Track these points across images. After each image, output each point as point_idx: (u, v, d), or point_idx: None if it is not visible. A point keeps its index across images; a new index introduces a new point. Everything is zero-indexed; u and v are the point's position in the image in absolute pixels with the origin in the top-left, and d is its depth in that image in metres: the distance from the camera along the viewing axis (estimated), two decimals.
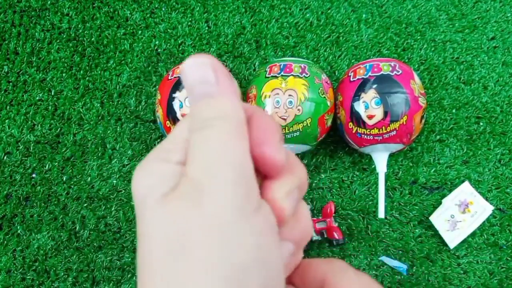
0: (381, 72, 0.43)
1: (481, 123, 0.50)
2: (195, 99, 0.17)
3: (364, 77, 0.43)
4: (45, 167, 0.49)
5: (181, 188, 0.16)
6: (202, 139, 0.16)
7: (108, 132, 0.50)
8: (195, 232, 0.15)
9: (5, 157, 0.50)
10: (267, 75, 0.44)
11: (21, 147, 0.50)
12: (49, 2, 0.56)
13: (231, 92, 0.17)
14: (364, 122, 0.42)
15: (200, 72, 0.17)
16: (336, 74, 0.52)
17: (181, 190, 0.16)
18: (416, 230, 0.47)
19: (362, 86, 0.43)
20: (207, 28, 0.55)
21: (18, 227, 0.47)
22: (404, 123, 0.42)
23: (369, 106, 0.42)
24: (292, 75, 0.43)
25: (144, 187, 0.17)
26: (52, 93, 0.52)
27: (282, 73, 0.43)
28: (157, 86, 0.52)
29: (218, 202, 0.15)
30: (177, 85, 0.44)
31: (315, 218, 0.45)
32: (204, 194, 0.15)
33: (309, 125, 0.43)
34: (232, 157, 0.16)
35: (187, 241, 0.15)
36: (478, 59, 0.52)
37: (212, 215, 0.15)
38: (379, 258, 0.46)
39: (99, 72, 0.53)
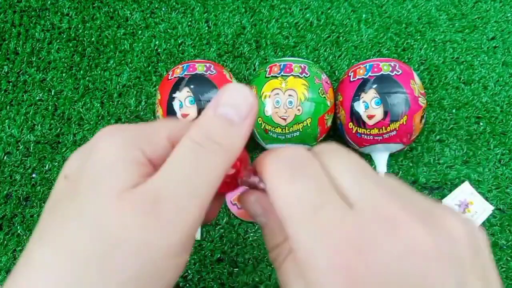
0: (381, 72, 0.43)
1: (481, 123, 0.50)
2: (214, 112, 0.18)
3: (364, 77, 0.43)
4: (45, 167, 0.49)
5: (139, 194, 0.16)
6: (193, 156, 0.17)
7: None
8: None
9: (5, 157, 0.50)
10: (267, 75, 0.44)
11: (21, 147, 0.50)
12: (49, 2, 0.56)
13: (247, 131, 0.18)
14: (364, 122, 0.42)
15: (238, 98, 0.18)
16: (336, 74, 0.52)
17: (138, 197, 0.16)
18: None
19: (362, 86, 0.43)
20: (207, 28, 0.55)
21: (18, 227, 0.47)
22: (404, 123, 0.42)
23: (369, 106, 0.42)
24: (292, 75, 0.43)
25: (109, 165, 0.17)
26: (52, 93, 0.52)
27: (282, 73, 0.43)
28: (157, 86, 0.52)
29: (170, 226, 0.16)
30: (177, 85, 0.44)
31: None
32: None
33: (309, 125, 0.43)
34: (205, 187, 0.17)
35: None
36: (478, 59, 0.52)
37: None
38: None
39: (99, 72, 0.53)
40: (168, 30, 0.55)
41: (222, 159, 0.17)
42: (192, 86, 0.43)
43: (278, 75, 0.43)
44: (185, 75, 0.44)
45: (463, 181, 0.47)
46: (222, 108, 0.18)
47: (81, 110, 0.51)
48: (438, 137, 0.50)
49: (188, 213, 0.16)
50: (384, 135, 0.42)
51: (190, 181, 0.16)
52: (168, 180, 0.16)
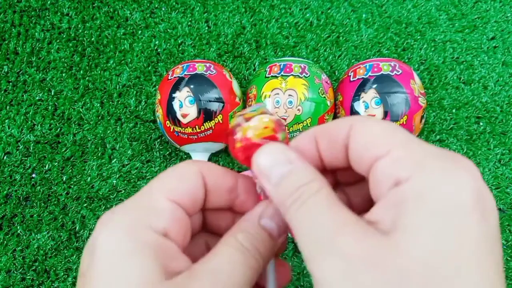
0: (381, 72, 0.43)
1: (481, 123, 0.50)
2: (258, 221, 0.19)
3: (364, 77, 0.43)
4: (45, 167, 0.49)
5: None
6: (237, 257, 0.18)
7: (108, 132, 0.50)
8: None
9: (5, 157, 0.49)
10: (267, 75, 0.44)
11: (21, 147, 0.50)
12: (49, 2, 0.56)
13: (280, 246, 0.19)
14: None
15: (279, 216, 0.19)
16: (336, 74, 0.52)
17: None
18: None
19: (362, 86, 0.43)
20: (207, 28, 0.55)
21: (18, 227, 0.47)
22: (404, 123, 0.42)
23: (369, 106, 0.42)
24: (292, 75, 0.43)
25: (110, 244, 0.16)
26: (52, 93, 0.52)
27: (282, 73, 0.43)
28: (157, 86, 0.52)
29: None
30: (177, 85, 0.44)
31: None
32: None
33: (309, 125, 0.43)
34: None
35: None
36: (478, 59, 0.52)
37: None
38: None
39: (99, 72, 0.53)
40: (168, 30, 0.55)
41: (258, 266, 0.18)
42: (192, 86, 0.43)
43: (278, 75, 0.43)
44: (185, 75, 0.44)
45: None
46: (265, 220, 0.19)
47: (81, 110, 0.51)
48: (438, 137, 0.50)
49: None
50: None
51: (225, 280, 0.17)
52: (206, 274, 0.16)
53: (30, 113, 0.51)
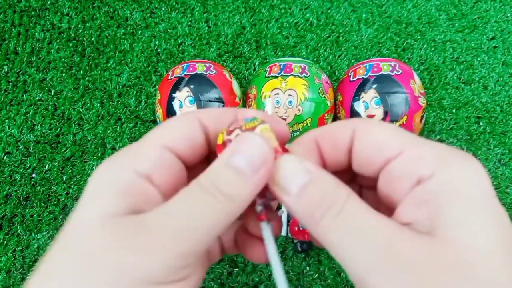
0: (381, 72, 0.43)
1: (481, 123, 0.50)
2: (226, 160, 0.18)
3: (364, 77, 0.43)
4: (45, 167, 0.49)
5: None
6: (196, 198, 0.17)
7: (108, 132, 0.50)
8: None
9: (5, 157, 0.49)
10: (267, 75, 0.44)
11: (21, 147, 0.50)
12: (49, 2, 0.56)
13: (259, 183, 0.18)
14: None
15: (252, 149, 0.18)
16: (336, 74, 0.52)
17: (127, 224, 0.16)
18: None
19: (362, 86, 0.43)
20: (207, 28, 0.55)
21: (18, 227, 0.47)
22: (404, 123, 0.42)
23: (369, 106, 0.42)
24: (292, 75, 0.43)
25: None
26: (52, 93, 0.52)
27: (282, 73, 0.43)
28: (157, 86, 0.52)
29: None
30: (177, 85, 0.44)
31: None
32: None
33: (309, 125, 0.43)
34: (197, 230, 0.17)
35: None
36: (478, 59, 0.52)
37: None
38: None
39: (99, 72, 0.53)
40: (168, 30, 0.55)
41: (223, 208, 0.17)
42: (192, 86, 0.43)
43: (278, 75, 0.43)
44: (185, 75, 0.44)
45: None
46: (234, 157, 0.17)
47: (81, 110, 0.51)
48: (438, 137, 0.50)
49: (174, 246, 0.16)
50: None
51: (184, 219, 0.16)
52: (162, 213, 0.16)
53: (30, 113, 0.51)
